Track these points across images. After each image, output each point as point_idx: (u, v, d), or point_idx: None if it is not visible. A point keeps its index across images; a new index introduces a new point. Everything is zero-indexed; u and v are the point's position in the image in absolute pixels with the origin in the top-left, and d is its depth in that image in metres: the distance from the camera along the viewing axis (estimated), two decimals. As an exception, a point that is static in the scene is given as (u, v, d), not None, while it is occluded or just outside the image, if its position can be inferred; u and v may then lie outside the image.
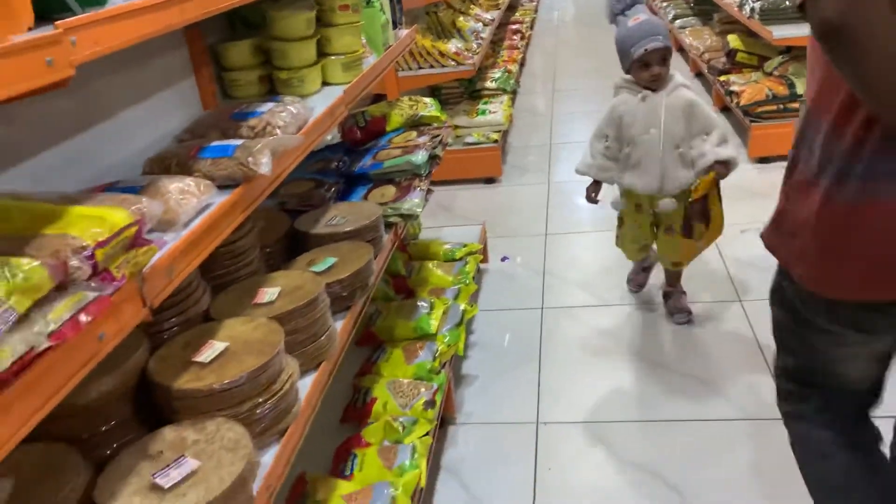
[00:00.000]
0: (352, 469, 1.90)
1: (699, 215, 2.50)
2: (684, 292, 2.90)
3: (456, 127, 4.45)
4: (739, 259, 3.31)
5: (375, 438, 2.00)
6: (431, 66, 4.27)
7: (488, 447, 2.31)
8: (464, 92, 5.03)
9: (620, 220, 2.80)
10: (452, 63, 4.27)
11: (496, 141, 4.43)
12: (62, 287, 0.94)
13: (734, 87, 4.58)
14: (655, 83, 2.48)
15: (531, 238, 3.68)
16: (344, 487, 1.80)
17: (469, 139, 4.43)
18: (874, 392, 1.48)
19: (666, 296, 2.93)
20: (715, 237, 2.65)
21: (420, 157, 2.31)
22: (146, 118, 1.69)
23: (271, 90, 2.07)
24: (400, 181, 2.30)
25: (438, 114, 2.73)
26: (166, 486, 1.13)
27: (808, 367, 1.50)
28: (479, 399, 2.53)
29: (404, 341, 2.39)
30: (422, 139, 2.48)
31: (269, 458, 1.31)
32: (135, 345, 1.32)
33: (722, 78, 4.94)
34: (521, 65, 6.91)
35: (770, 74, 4.62)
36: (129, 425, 1.32)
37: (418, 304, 2.51)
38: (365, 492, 1.78)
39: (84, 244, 0.97)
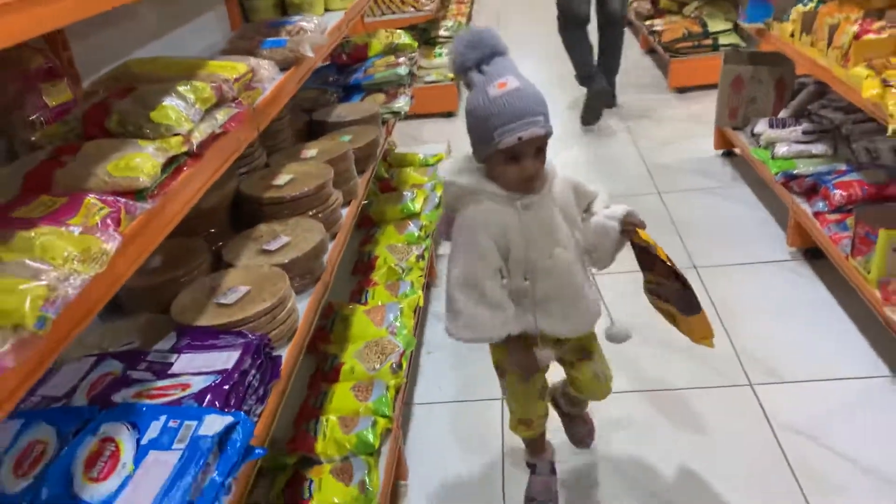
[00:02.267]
0: (366, 299, 2.51)
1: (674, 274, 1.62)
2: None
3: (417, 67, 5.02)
4: (662, 164, 3.99)
5: (381, 279, 2.61)
6: (394, 13, 4.82)
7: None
8: (419, 39, 5.59)
9: (500, 369, 1.85)
10: (412, 9, 4.83)
11: (453, 79, 5.02)
12: (219, 103, 1.52)
13: (656, 28, 5.26)
14: (528, 185, 1.57)
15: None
16: (362, 309, 2.41)
17: (429, 78, 5.01)
18: None
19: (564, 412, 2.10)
20: None
21: (403, 69, 2.91)
22: (195, 34, 2.24)
23: (284, 14, 2.63)
24: (387, 90, 2.89)
25: (411, 42, 3.31)
26: (272, 249, 1.72)
27: None
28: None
29: (394, 220, 3.00)
30: (401, 59, 3.06)
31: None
32: (231, 173, 1.91)
33: (647, 22, 5.62)
34: (469, 19, 7.48)
35: (687, 17, 5.30)
36: (228, 231, 1.90)
37: (404, 193, 3.12)
38: (379, 308, 2.39)
39: (227, 78, 1.55)
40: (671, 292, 1.68)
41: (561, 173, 1.68)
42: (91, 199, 1.09)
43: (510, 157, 1.53)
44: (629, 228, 1.66)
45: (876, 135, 2.91)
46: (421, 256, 2.74)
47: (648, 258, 1.68)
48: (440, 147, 3.86)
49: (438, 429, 2.31)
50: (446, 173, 1.64)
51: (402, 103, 2.77)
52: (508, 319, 1.63)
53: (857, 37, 2.42)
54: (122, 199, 1.12)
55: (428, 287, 2.98)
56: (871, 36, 2.41)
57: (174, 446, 1.13)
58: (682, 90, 4.97)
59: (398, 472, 2.04)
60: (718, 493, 1.95)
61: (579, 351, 1.82)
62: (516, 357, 1.70)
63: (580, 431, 2.11)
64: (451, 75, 5.04)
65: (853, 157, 2.92)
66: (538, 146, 1.55)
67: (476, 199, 1.60)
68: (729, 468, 2.01)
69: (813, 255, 2.88)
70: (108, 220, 1.05)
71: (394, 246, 2.81)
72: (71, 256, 0.95)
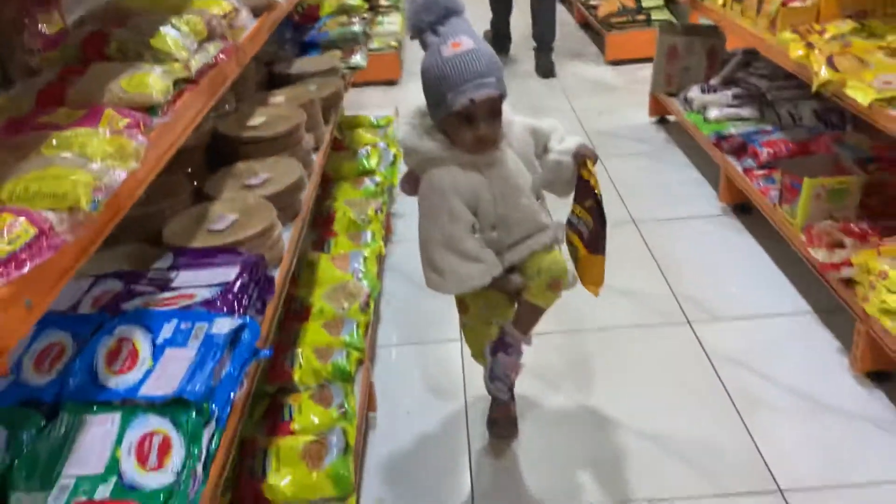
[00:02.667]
0: (329, 248, 2.60)
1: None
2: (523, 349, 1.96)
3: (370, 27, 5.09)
4: (600, 131, 4.18)
5: (341, 230, 2.70)
6: (338, -20, 4.85)
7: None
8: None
9: (462, 305, 1.94)
10: (356, -23, 4.87)
11: (395, 47, 5.10)
12: (210, 37, 1.58)
13: (593, 2, 5.46)
14: (484, 146, 1.63)
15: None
16: (327, 256, 2.50)
17: (371, 46, 5.06)
18: None
19: (501, 345, 1.93)
20: None
21: (358, 27, 2.99)
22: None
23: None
24: (343, 47, 2.96)
25: (361, 3, 3.39)
26: (255, 183, 1.80)
27: None
28: (412, 220, 3.28)
29: (351, 177, 3.09)
30: (354, 19, 3.15)
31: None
32: (206, 116, 1.96)
33: (583, -3, 5.83)
34: (406, -8, 7.56)
35: (621, -8, 5.51)
36: (205, 171, 1.96)
37: (359, 151, 3.20)
38: (344, 256, 2.49)
39: (215, 13, 1.62)
40: (588, 229, 1.75)
41: (516, 117, 1.73)
42: (110, 111, 1.16)
43: (464, 119, 1.58)
44: (581, 160, 1.74)
45: (798, 99, 3.16)
46: (379, 209, 2.84)
47: (584, 191, 1.76)
48: (388, 111, 3.95)
49: (403, 368, 2.43)
50: (408, 140, 1.68)
51: (358, 59, 2.86)
52: (490, 265, 1.71)
53: (783, 4, 2.63)
54: (138, 113, 1.19)
55: (385, 241, 3.08)
56: (796, 4, 2.63)
57: (189, 344, 1.22)
58: (617, 63, 5.18)
59: (369, 404, 2.15)
60: (664, 419, 2.13)
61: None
62: (509, 287, 1.79)
63: (503, 375, 1.98)
64: (394, 43, 5.12)
65: (778, 119, 3.16)
66: (492, 108, 1.58)
67: (441, 164, 1.65)
68: (672, 397, 2.20)
69: (742, 209, 3.11)
70: (132, 128, 1.13)
71: (352, 200, 2.89)
72: (108, 153, 1.02)
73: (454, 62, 1.55)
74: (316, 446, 1.69)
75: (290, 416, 1.84)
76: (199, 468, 1.05)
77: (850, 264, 2.19)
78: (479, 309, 1.90)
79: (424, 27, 1.61)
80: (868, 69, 2.26)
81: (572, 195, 1.82)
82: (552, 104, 4.64)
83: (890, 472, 1.89)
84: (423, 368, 2.42)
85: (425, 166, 1.67)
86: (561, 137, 1.80)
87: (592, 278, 1.83)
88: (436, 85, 1.58)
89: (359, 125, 3.66)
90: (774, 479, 1.89)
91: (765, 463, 1.94)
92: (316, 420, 1.81)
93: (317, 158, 2.16)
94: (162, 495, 0.98)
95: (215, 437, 1.12)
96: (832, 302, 2.34)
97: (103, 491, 0.99)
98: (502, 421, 2.10)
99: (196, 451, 1.05)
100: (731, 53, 3.71)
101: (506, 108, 1.67)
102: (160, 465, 1.02)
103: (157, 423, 1.07)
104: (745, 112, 3.27)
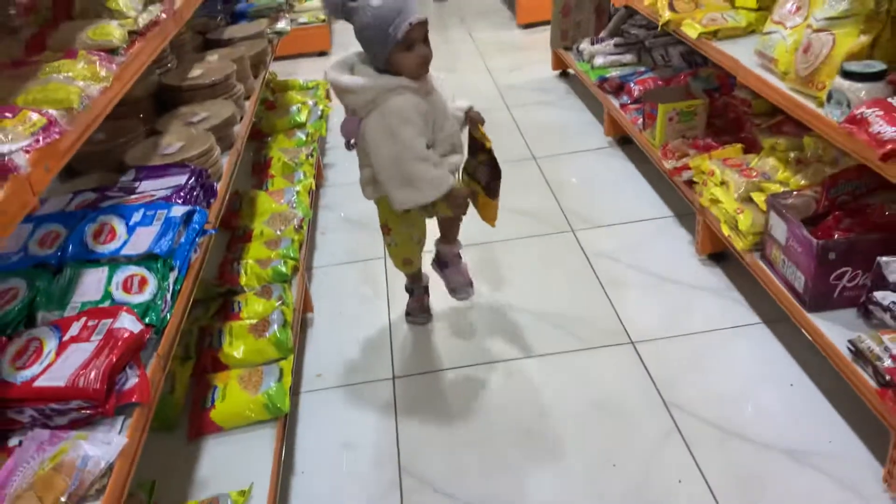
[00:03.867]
0: (267, 187, 3.02)
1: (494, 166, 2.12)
2: (461, 256, 2.48)
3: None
4: (510, 85, 4.65)
5: (277, 172, 3.12)
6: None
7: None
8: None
9: (386, 227, 2.30)
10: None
11: (324, 20, 5.49)
12: (152, 1, 1.99)
13: (504, -29, 5.92)
14: (426, 67, 1.96)
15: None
16: (264, 193, 2.92)
17: (301, 20, 5.45)
18: None
19: (442, 262, 2.48)
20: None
21: (281, -2, 3.40)
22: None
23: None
24: (269, 15, 3.37)
25: (286, -22, 3.78)
26: (196, 120, 2.22)
27: None
28: (340, 169, 3.71)
29: (283, 130, 3.51)
30: (278, -10, 3.54)
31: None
32: (151, 71, 2.37)
33: (496, -33, 6.27)
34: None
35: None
36: (154, 117, 2.36)
37: (290, 108, 3.62)
38: (279, 191, 2.92)
39: (155, -18, 2.02)
40: (483, 176, 2.15)
41: (433, 72, 2.06)
42: (83, 52, 1.58)
43: (406, 46, 1.88)
44: (472, 122, 2.17)
45: (669, 45, 3.67)
46: (310, 154, 3.27)
47: (477, 146, 2.17)
48: (318, 77, 4.36)
49: (335, 282, 2.88)
50: (359, 81, 1.92)
51: (283, 24, 3.27)
52: (448, 172, 2.04)
53: (640, -39, 3.13)
54: (104, 53, 1.61)
55: (317, 187, 3.51)
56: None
57: (154, 223, 1.65)
58: (527, 26, 5.66)
59: (306, 305, 2.60)
60: (548, 300, 2.62)
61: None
62: (462, 193, 2.08)
63: (457, 280, 2.45)
64: (322, 17, 5.51)
65: (652, 62, 3.67)
66: (424, 32, 1.91)
67: (397, 93, 1.91)
68: (556, 285, 2.70)
69: (623, 141, 3.62)
70: (102, 61, 1.55)
71: (285, 149, 3.32)
72: (87, 76, 1.45)
73: (386, 5, 1.85)
74: (261, 323, 2.13)
75: (239, 308, 2.27)
76: (168, 297, 1.48)
77: (688, 168, 2.71)
78: (402, 227, 2.27)
79: (339, 0, 1.90)
80: (700, 9, 2.77)
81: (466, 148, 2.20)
82: (469, 63, 5.10)
83: (716, 323, 2.42)
84: (352, 281, 2.88)
85: (380, 99, 1.92)
86: (453, 96, 2.16)
87: (488, 215, 2.25)
88: (377, 27, 1.86)
89: (290, 88, 4.07)
90: (628, 334, 2.41)
91: (622, 324, 2.45)
92: (259, 308, 2.25)
93: (248, 104, 2.59)
94: (143, 307, 1.42)
95: (178, 280, 1.55)
96: (686, 207, 2.86)
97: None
98: (417, 310, 2.58)
99: (165, 285, 1.49)
100: (617, 9, 4.21)
101: None
102: (140, 291, 1.45)
103: (135, 269, 1.51)
104: (626, 58, 3.77)
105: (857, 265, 1.98)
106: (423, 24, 1.90)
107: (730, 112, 2.98)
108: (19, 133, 1.16)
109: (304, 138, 3.42)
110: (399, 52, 1.89)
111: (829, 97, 1.91)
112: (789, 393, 2.11)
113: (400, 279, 2.59)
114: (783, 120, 2.64)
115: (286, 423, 1.96)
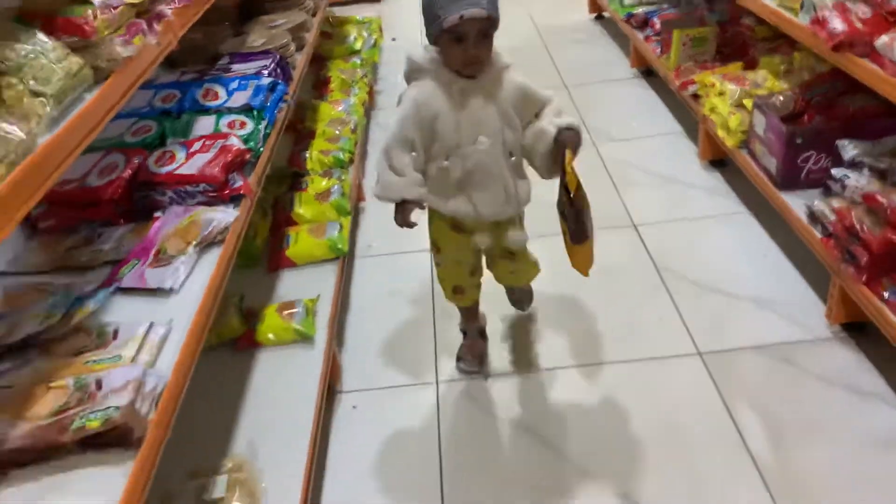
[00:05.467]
0: (327, 98, 3.49)
1: (585, 203, 1.73)
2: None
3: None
4: (548, 26, 5.03)
5: (336, 87, 3.59)
6: None
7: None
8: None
9: (435, 246, 2.01)
10: None
11: (378, -32, 5.92)
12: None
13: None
14: (472, 68, 1.68)
15: (410, 29, 5.28)
16: (326, 103, 3.39)
17: (358, -33, 5.88)
18: None
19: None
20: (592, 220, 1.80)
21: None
22: None
23: None
24: (332, -48, 3.81)
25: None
26: (275, 24, 2.68)
27: None
28: (389, 94, 4.17)
29: (341, 56, 3.97)
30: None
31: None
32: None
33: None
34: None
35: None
36: (240, 22, 2.83)
37: (347, 37, 4.08)
38: (337, 102, 3.38)
39: None
40: (570, 218, 1.75)
41: (514, 74, 1.73)
42: None
43: (455, 37, 1.60)
44: (562, 143, 1.68)
45: (693, -16, 4.01)
46: (364, 75, 3.73)
47: (563, 180, 1.72)
48: (373, 14, 4.81)
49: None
50: (408, 50, 1.76)
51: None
52: (409, 185, 1.72)
53: None
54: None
55: (368, 108, 3.97)
56: None
57: (247, 88, 2.12)
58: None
59: (359, 195, 3.06)
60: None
61: (503, 251, 1.98)
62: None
63: (517, 293, 2.28)
64: (376, -35, 5.92)
65: (675, 0, 4.02)
66: (482, 29, 1.59)
67: (421, 77, 1.71)
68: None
69: (647, 73, 3.99)
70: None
71: (343, 69, 3.78)
72: None
73: None
74: (324, 193, 2.61)
75: (306, 185, 2.74)
76: (261, 136, 1.95)
77: (693, 82, 3.09)
78: (450, 248, 1.97)
79: None
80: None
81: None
82: (510, 7, 5.47)
83: (708, 212, 2.82)
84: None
85: (410, 77, 1.75)
86: (557, 111, 1.77)
87: (577, 262, 1.83)
88: (430, 4, 1.62)
89: (347, 22, 4.53)
90: (631, 218, 2.83)
91: (627, 211, 2.87)
92: (323, 184, 2.72)
93: (314, 17, 3.05)
94: (244, 137, 1.89)
95: (267, 127, 2.02)
96: (694, 124, 3.24)
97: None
98: (469, 358, 2.22)
99: (258, 127, 1.96)
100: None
101: (507, 57, 1.73)
102: (241, 128, 1.93)
103: (236, 116, 1.98)
104: (652, -3, 4.13)
105: (821, 150, 2.36)
106: (481, 21, 1.59)
107: (737, 40, 3.33)
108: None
109: (358, 62, 3.88)
110: (445, 39, 1.64)
111: (802, 5, 2.28)
112: (762, 261, 2.51)
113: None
114: (781, 43, 3.00)
115: (344, 263, 2.43)
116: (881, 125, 2.28)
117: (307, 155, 2.91)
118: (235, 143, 1.79)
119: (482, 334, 2.26)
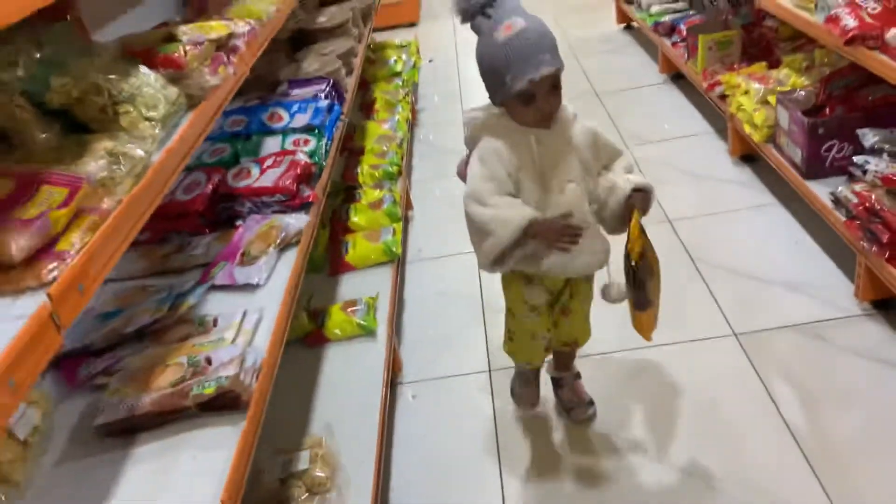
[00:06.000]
0: (375, 117, 3.72)
1: (648, 272, 1.69)
2: (579, 375, 2.17)
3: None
4: (579, 38, 5.22)
5: (381, 108, 3.81)
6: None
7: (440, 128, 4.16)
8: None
9: (509, 311, 1.92)
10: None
11: (412, -6, 6.20)
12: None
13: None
14: (546, 122, 1.62)
15: (445, 49, 5.51)
16: (372, 122, 3.61)
17: (393, -6, 6.17)
18: None
19: (556, 383, 2.17)
20: (660, 285, 1.74)
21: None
22: None
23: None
24: None
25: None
26: (325, 52, 2.92)
27: None
28: (429, 112, 4.39)
29: (383, 78, 4.22)
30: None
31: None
32: (292, 18, 3.09)
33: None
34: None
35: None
36: (294, 51, 3.08)
37: (388, 60, 4.32)
38: (383, 121, 3.61)
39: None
40: (631, 285, 1.68)
41: (581, 121, 1.69)
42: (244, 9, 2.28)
43: (524, 99, 1.55)
44: (631, 205, 1.64)
45: (716, -9, 4.16)
46: (406, 95, 3.96)
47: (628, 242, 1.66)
48: (410, 37, 5.05)
49: (429, 191, 3.55)
50: (467, 112, 1.69)
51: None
52: (522, 209, 1.59)
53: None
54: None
55: (412, 125, 4.20)
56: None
57: (307, 111, 2.35)
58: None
59: (407, 204, 3.27)
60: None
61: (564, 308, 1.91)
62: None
63: (572, 401, 2.12)
64: (411, -10, 6.19)
65: (702, 6, 4.18)
66: (551, 84, 1.54)
67: (492, 135, 1.62)
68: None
69: (676, 77, 4.15)
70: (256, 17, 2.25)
71: (386, 90, 4.02)
72: (255, 14, 2.15)
73: (510, 45, 1.50)
74: (377, 202, 2.83)
75: (359, 197, 2.96)
76: (323, 151, 2.17)
77: (720, 83, 3.24)
78: (525, 313, 1.87)
79: (475, 10, 1.56)
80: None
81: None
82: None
83: (740, 204, 2.96)
84: (441, 190, 3.54)
85: (478, 137, 1.66)
86: (629, 167, 1.74)
87: (640, 326, 1.76)
88: (494, 70, 1.55)
89: (387, 47, 4.78)
90: (666, 215, 2.98)
91: (661, 207, 3.02)
92: (375, 195, 2.94)
93: (360, 44, 3.28)
94: (309, 152, 2.10)
95: (328, 144, 2.24)
96: (723, 123, 3.39)
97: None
98: (523, 398, 2.16)
99: (320, 144, 2.18)
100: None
101: (570, 107, 1.68)
102: (305, 146, 2.15)
103: (300, 135, 2.21)
104: (678, 5, 4.30)
105: (843, 139, 2.50)
106: (552, 77, 1.53)
107: (762, 42, 3.48)
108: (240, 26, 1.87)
109: (400, 83, 4.11)
110: (514, 103, 1.58)
111: (816, 5, 2.44)
112: (793, 247, 2.65)
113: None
114: (803, 42, 3.14)
115: (399, 265, 2.64)
116: (900, 113, 2.41)
117: (359, 170, 3.13)
118: (302, 157, 2.01)
119: (536, 377, 2.13)
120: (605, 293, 1.78)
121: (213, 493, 1.15)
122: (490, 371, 2.38)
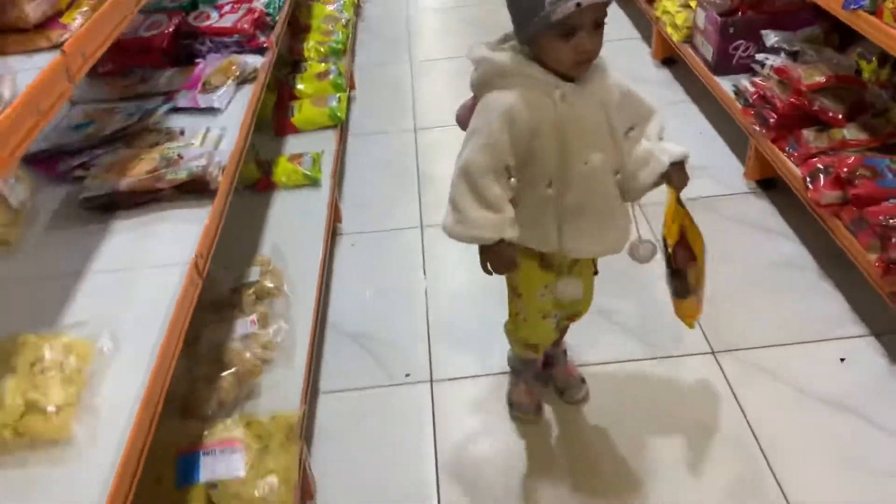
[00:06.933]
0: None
1: (686, 257, 1.59)
2: (566, 352, 1.97)
3: None
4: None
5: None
6: None
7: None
8: None
9: (516, 293, 1.67)
10: None
11: None
12: None
13: None
14: (582, 67, 1.36)
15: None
16: (319, 4, 3.72)
17: None
18: None
19: (545, 363, 1.95)
20: (704, 268, 1.66)
21: None
22: None
23: None
24: None
25: None
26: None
27: None
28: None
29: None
30: None
31: None
32: None
33: None
34: None
35: None
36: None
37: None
38: (331, 2, 3.71)
39: None
40: (669, 273, 1.60)
41: (614, 73, 1.44)
42: None
43: (564, 31, 1.29)
44: (671, 178, 1.50)
45: None
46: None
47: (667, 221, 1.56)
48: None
49: (374, 75, 3.71)
50: (476, 49, 1.41)
51: None
52: (504, 223, 1.41)
53: None
54: None
55: (358, 10, 4.30)
56: None
57: (263, -30, 2.46)
58: None
59: (350, 83, 3.43)
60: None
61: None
62: (496, 255, 1.44)
63: (566, 381, 1.94)
64: None
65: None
66: (597, 18, 1.30)
67: (507, 84, 1.37)
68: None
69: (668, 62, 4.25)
70: None
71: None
72: None
73: None
74: (323, 73, 2.98)
75: (306, 69, 3.11)
76: (277, 6, 2.31)
77: (650, -11, 3.49)
78: (534, 296, 1.64)
79: None
80: None
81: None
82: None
83: (656, 100, 3.23)
84: (386, 75, 3.71)
85: (488, 83, 1.40)
86: (661, 128, 1.52)
87: (681, 313, 1.69)
88: None
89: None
90: (590, 105, 3.24)
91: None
92: (321, 68, 3.09)
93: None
94: (267, 3, 2.24)
95: (279, 6, 2.38)
96: (649, 29, 3.63)
97: None
98: (526, 405, 1.92)
99: (273, 3, 2.32)
100: None
101: (605, 57, 1.41)
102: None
103: (256, -11, 2.34)
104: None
105: (750, 39, 2.78)
106: (599, 8, 1.29)
107: (692, -46, 3.71)
108: None
109: None
110: (549, 37, 1.31)
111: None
112: (698, 137, 2.97)
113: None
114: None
115: (342, 131, 2.83)
116: (801, 18, 2.70)
117: (305, 45, 3.27)
118: (259, 6, 2.16)
119: (536, 376, 1.94)
120: (634, 252, 1.61)
121: (189, 253, 1.36)
122: (422, 227, 2.63)
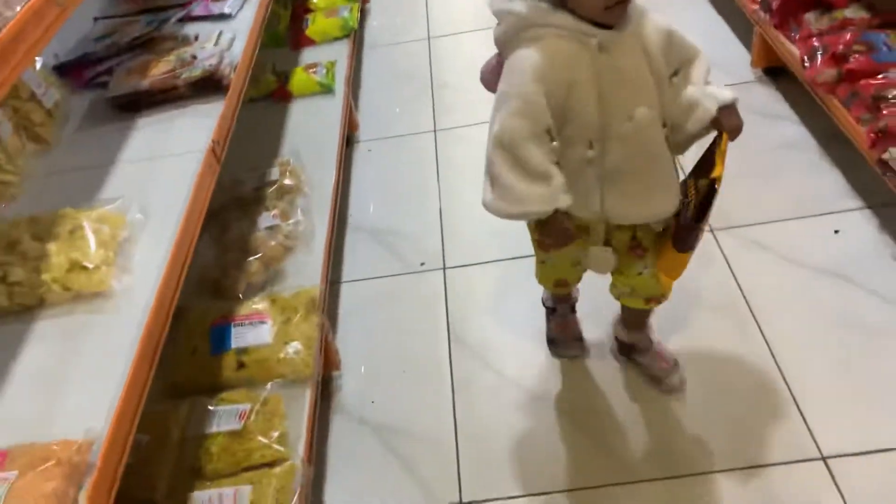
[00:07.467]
0: None
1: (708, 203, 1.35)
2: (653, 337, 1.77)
3: None
4: None
5: None
6: None
7: None
8: None
9: (540, 243, 1.55)
10: None
11: None
12: None
13: None
14: (618, 10, 1.20)
15: None
16: None
17: None
18: None
19: (628, 349, 1.78)
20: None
21: None
22: None
23: None
24: None
25: None
26: None
27: None
28: None
29: None
30: None
31: None
32: None
33: None
34: None
35: None
36: None
37: None
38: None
39: None
40: (685, 214, 1.38)
41: (653, 17, 1.28)
42: None
43: None
44: (722, 124, 1.31)
45: None
46: None
47: (703, 170, 1.37)
48: None
49: (392, 13, 3.76)
50: (509, 3, 1.25)
51: None
52: (556, 191, 1.28)
53: None
54: None
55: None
56: None
57: None
58: None
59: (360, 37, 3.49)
60: None
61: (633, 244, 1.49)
62: (551, 228, 1.33)
63: (658, 368, 1.73)
64: None
65: None
66: None
67: (536, 37, 1.23)
68: None
69: None
70: None
71: None
72: None
73: None
74: (333, 8, 3.04)
75: None
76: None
77: None
78: (562, 254, 1.51)
79: None
80: None
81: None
82: None
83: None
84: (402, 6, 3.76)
85: (516, 39, 1.26)
86: (706, 72, 1.36)
87: (666, 268, 1.49)
88: None
89: None
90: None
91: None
92: None
93: None
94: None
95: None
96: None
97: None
98: (563, 339, 1.85)
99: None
100: None
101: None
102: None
103: None
104: None
105: (757, -74, 2.76)
106: None
107: None
108: None
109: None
110: None
111: None
112: (709, 32, 2.98)
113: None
114: None
115: (355, 41, 2.91)
116: None
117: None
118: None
119: (573, 309, 1.84)
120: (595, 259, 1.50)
121: (205, 141, 1.49)
122: (435, 131, 2.73)
